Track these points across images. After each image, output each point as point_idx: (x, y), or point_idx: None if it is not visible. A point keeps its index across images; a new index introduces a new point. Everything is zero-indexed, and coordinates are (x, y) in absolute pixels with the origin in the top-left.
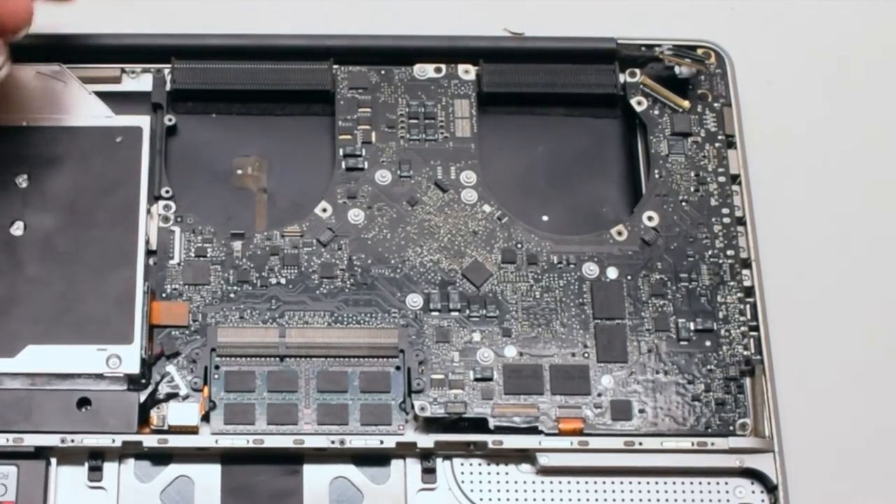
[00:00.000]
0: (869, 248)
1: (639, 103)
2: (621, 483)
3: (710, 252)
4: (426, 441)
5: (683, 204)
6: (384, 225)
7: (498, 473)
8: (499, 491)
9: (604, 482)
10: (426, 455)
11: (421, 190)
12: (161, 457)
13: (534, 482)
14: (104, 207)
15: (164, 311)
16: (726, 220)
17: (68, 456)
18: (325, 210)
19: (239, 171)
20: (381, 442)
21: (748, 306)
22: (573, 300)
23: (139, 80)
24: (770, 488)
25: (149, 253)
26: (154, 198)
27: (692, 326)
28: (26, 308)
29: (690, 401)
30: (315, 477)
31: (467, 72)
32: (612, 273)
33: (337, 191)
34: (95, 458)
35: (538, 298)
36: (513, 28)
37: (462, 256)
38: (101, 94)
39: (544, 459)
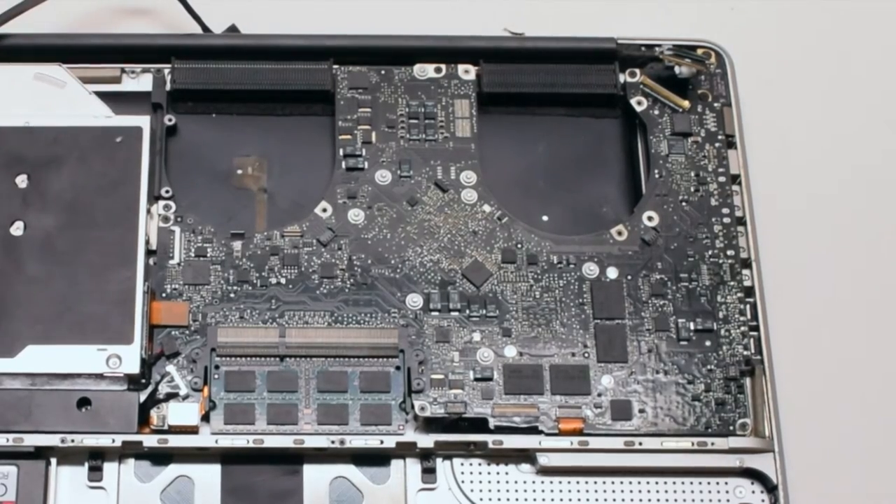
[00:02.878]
0: (869, 247)
1: (639, 103)
2: (621, 483)
3: (710, 252)
4: (426, 441)
5: (683, 204)
6: (384, 225)
7: (498, 473)
8: (499, 491)
9: (604, 482)
10: (426, 455)
11: (421, 190)
12: (161, 457)
13: (534, 482)
14: (104, 207)
15: (164, 311)
16: (726, 220)
17: (68, 456)
18: (325, 210)
19: (239, 171)
20: (381, 442)
21: (748, 306)
22: (573, 300)
23: (139, 80)
24: (770, 488)
25: (149, 253)
26: (154, 198)
27: (692, 326)
28: (26, 308)
29: (690, 401)
30: (315, 477)
31: (467, 72)
32: (612, 273)
33: (337, 191)
34: (95, 458)
35: (538, 298)
36: (513, 28)
37: (462, 256)
38: (101, 94)
39: (544, 459)
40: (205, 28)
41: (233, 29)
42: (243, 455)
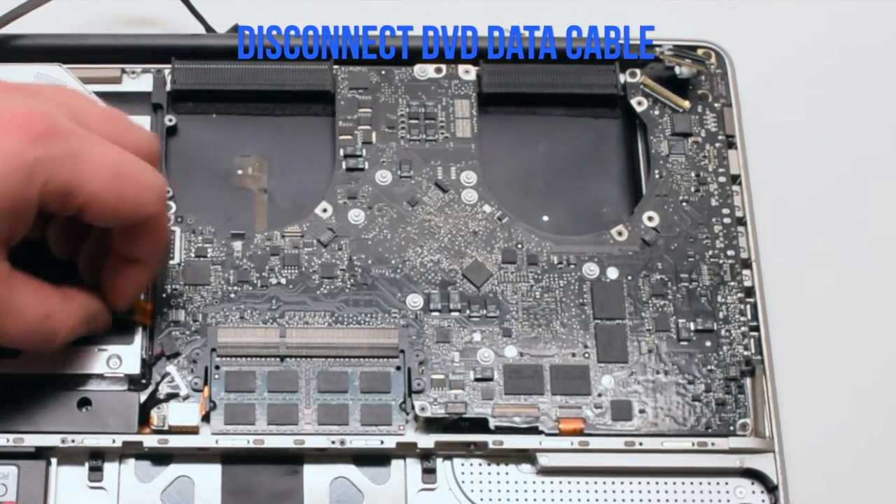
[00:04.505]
0: (869, 247)
1: (639, 103)
2: (621, 483)
3: (710, 252)
4: (426, 441)
5: (684, 204)
6: (384, 225)
7: (498, 473)
8: (499, 491)
9: (604, 482)
10: (426, 455)
11: (421, 190)
12: (161, 457)
13: (534, 482)
14: None
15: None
16: (726, 220)
17: (69, 456)
18: (325, 210)
19: (239, 172)
20: (382, 442)
21: (748, 306)
22: (573, 300)
23: (139, 81)
24: (770, 488)
25: None
26: None
27: (692, 326)
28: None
29: (691, 401)
30: (315, 477)
31: (467, 72)
32: (612, 273)
33: (337, 191)
34: (96, 459)
35: (538, 299)
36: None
37: (462, 257)
38: (101, 95)
39: (544, 459)
40: (208, 28)
41: (236, 29)
42: (244, 455)
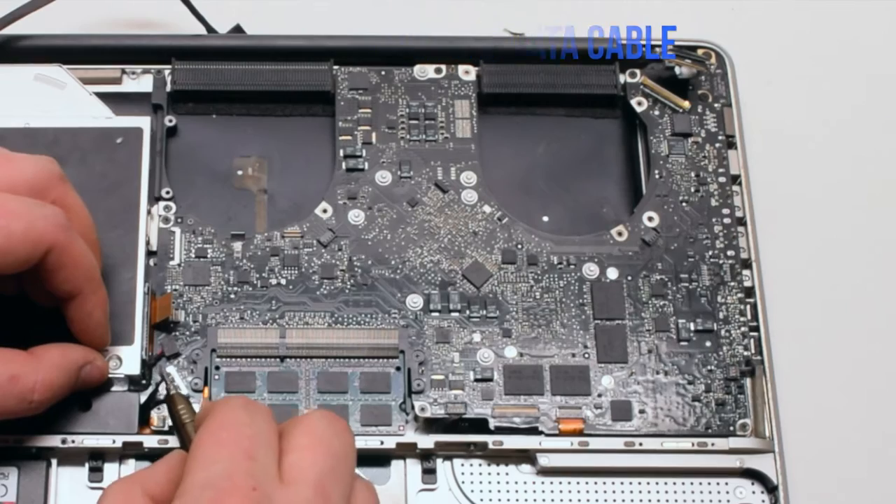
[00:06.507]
0: (869, 247)
1: (639, 104)
2: (621, 483)
3: (710, 252)
4: (426, 442)
5: (684, 204)
6: (384, 226)
7: (498, 474)
8: (499, 491)
9: (604, 482)
10: (426, 455)
11: (421, 191)
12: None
13: (534, 482)
14: (104, 208)
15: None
16: (726, 220)
17: (69, 457)
18: (325, 211)
19: (239, 172)
20: (382, 443)
21: (748, 306)
22: (573, 301)
23: (139, 81)
24: (770, 489)
25: (149, 254)
26: (154, 199)
27: (692, 327)
28: (27, 309)
29: (691, 401)
30: None
31: (467, 72)
32: (612, 273)
33: (337, 191)
34: (96, 459)
35: (538, 299)
36: (513, 28)
37: (462, 257)
38: (101, 95)
39: (544, 460)
40: (209, 29)
41: (237, 29)
42: None
